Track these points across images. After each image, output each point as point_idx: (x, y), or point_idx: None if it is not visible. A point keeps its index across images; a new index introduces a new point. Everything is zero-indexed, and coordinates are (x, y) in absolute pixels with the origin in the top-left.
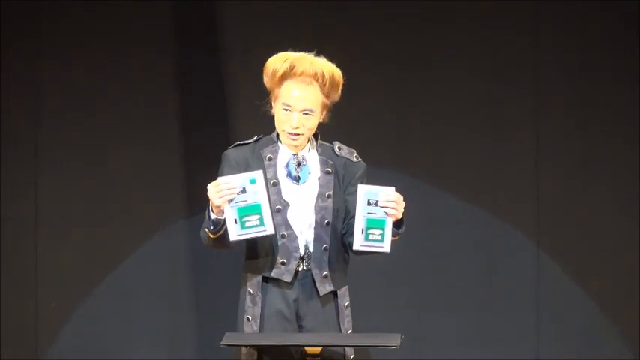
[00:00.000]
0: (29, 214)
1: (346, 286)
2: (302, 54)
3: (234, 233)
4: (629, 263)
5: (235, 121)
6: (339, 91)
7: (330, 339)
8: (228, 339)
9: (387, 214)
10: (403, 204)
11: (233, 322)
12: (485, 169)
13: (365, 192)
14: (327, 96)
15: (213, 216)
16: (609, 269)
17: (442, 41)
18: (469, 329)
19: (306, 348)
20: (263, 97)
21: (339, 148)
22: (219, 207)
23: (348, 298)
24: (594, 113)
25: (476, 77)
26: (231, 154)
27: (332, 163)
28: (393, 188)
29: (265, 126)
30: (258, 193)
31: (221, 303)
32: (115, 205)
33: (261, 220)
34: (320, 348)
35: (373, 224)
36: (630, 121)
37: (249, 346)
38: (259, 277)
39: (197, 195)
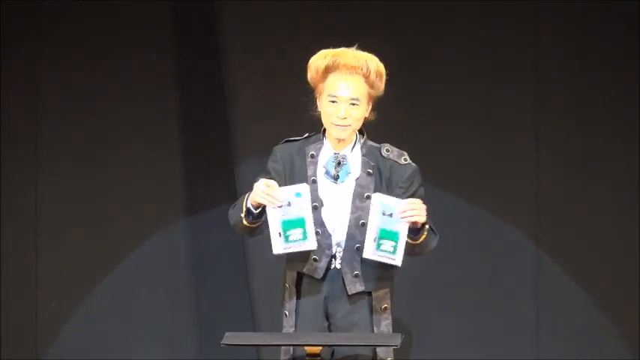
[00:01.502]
0: (29, 214)
1: (387, 289)
2: (344, 48)
3: (280, 247)
4: (629, 263)
5: (235, 121)
6: (383, 84)
7: (331, 339)
8: (228, 339)
9: (408, 222)
10: (423, 207)
11: (233, 322)
12: (485, 169)
13: (380, 202)
14: (372, 87)
15: (249, 205)
16: (609, 269)
17: (442, 41)
18: (469, 329)
19: (305, 347)
20: (264, 97)
21: (387, 150)
22: (257, 203)
23: (387, 300)
24: (594, 113)
25: (476, 77)
26: (278, 150)
27: (373, 164)
28: (407, 201)
29: (267, 125)
30: (302, 208)
31: (221, 303)
32: (114, 205)
33: (304, 233)
34: (320, 348)
35: (386, 235)
36: (630, 121)
37: (252, 345)
38: (294, 273)
39: (197, 195)
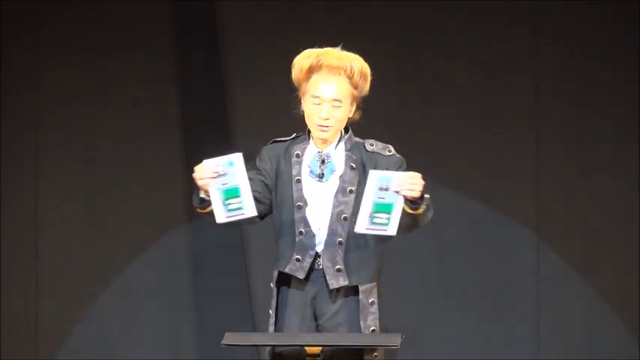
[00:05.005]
0: (29, 214)
1: (374, 283)
2: (328, 48)
3: (222, 216)
4: (630, 264)
5: (235, 123)
6: (368, 84)
7: (331, 339)
8: (228, 339)
9: (404, 196)
10: (420, 182)
11: (233, 322)
12: (486, 168)
13: (377, 177)
14: (356, 87)
15: (201, 194)
16: (610, 270)
17: (442, 41)
18: (469, 329)
19: (306, 348)
20: (264, 98)
21: (372, 144)
22: (203, 187)
23: (374, 294)
24: (594, 113)
25: (476, 77)
26: (266, 150)
27: (355, 158)
28: (407, 173)
29: (268, 126)
30: (237, 175)
31: (221, 303)
32: (114, 206)
33: (242, 202)
34: (320, 348)
35: (381, 208)
36: (630, 120)
37: (252, 345)
38: (277, 273)
39: None
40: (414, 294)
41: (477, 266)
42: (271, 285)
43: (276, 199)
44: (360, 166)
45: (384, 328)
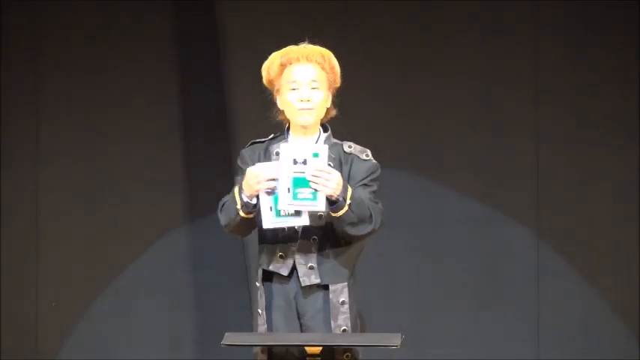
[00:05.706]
0: (29, 214)
1: (344, 283)
2: (293, 45)
3: (270, 221)
4: (630, 264)
5: (235, 124)
6: (339, 77)
7: (331, 339)
8: (228, 339)
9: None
10: (335, 181)
11: (233, 322)
12: (486, 168)
13: (289, 152)
14: (329, 73)
15: (245, 198)
16: (610, 269)
17: (442, 41)
18: (469, 329)
19: (306, 348)
20: (265, 99)
21: (350, 146)
22: (254, 192)
23: (345, 294)
24: (594, 113)
25: (476, 77)
26: (245, 152)
27: (334, 156)
28: (326, 167)
29: (268, 128)
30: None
31: (221, 303)
32: (115, 206)
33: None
34: (320, 348)
35: (301, 183)
36: (630, 120)
37: (252, 345)
38: (261, 271)
39: (198, 197)
40: (413, 294)
41: (476, 266)
42: (257, 284)
43: None
44: (338, 165)
45: (378, 328)
